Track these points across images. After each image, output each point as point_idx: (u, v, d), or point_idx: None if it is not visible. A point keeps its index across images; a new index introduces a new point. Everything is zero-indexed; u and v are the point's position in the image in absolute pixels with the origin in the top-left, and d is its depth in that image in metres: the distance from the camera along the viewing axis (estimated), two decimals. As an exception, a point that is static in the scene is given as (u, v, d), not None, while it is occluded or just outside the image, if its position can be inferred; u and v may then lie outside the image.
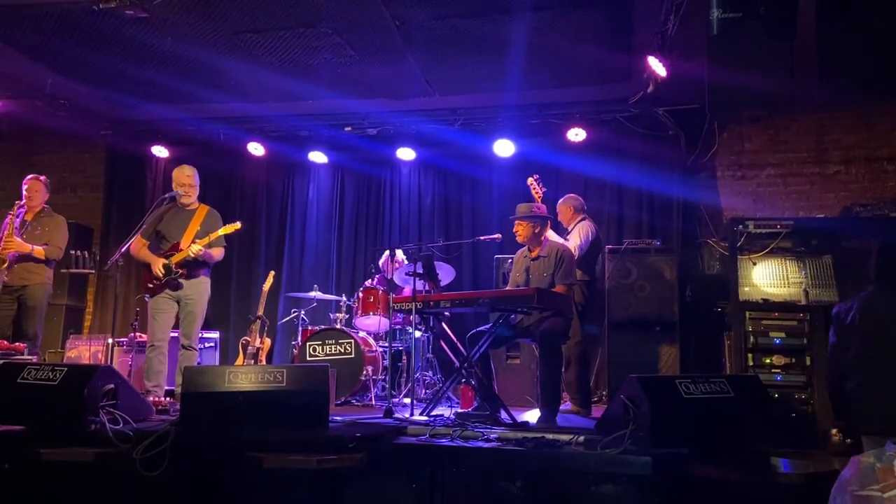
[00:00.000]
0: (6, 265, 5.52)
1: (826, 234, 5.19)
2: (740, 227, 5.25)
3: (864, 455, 2.40)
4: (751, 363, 4.95)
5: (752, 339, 4.96)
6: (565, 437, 3.47)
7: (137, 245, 5.22)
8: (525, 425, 4.06)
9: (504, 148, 7.14)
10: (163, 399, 4.79)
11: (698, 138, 6.79)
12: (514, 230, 4.99)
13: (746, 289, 5.17)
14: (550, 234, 5.21)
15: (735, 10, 3.91)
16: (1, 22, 5.51)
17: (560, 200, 5.92)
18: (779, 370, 4.91)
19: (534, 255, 4.95)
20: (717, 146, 6.85)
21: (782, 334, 4.96)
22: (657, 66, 5.41)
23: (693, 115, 6.63)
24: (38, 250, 5.62)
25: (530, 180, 5.77)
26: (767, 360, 4.94)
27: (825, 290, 5.01)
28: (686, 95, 6.34)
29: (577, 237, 5.59)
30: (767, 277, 5.18)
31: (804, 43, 4.13)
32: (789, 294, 5.08)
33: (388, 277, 6.23)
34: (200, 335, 5.47)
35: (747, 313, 5.02)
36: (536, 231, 4.93)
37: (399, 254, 6.19)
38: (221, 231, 5.20)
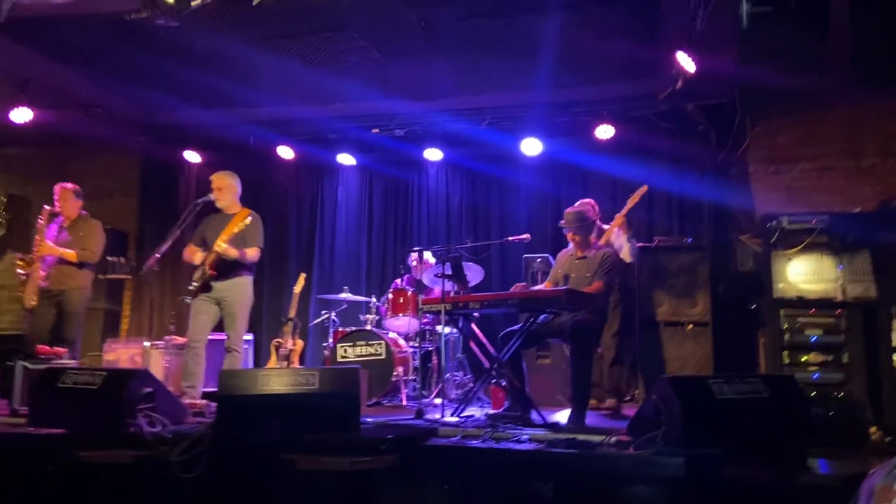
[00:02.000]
0: (38, 265, 5.68)
1: (863, 229, 5.07)
2: (774, 223, 5.16)
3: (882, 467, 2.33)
4: (786, 361, 4.88)
5: (787, 336, 4.89)
6: (597, 438, 3.46)
7: (188, 252, 5.35)
8: (556, 426, 4.05)
9: (531, 147, 7.11)
10: (198, 401, 4.88)
11: (729, 134, 6.67)
12: (568, 237, 5.00)
13: (781, 286, 5.08)
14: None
15: (765, 3, 3.84)
16: (36, 33, 5.65)
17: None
18: (815, 368, 4.83)
19: (579, 254, 4.95)
20: (748, 141, 6.73)
21: (819, 331, 4.88)
22: (686, 61, 5.34)
23: (723, 110, 6.51)
24: (70, 253, 5.76)
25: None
26: (804, 358, 4.87)
27: (863, 286, 4.90)
28: (716, 90, 6.25)
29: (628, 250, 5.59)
30: (802, 274, 5.09)
31: (836, 35, 4.04)
32: (825, 290, 4.98)
33: (417, 278, 6.26)
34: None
35: (782, 310, 4.95)
36: (585, 235, 4.94)
37: (428, 255, 6.22)
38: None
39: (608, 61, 6.03)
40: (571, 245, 5.03)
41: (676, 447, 3.12)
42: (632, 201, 5.73)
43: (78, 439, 3.65)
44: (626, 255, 5.61)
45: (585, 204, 5.63)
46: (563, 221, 5.03)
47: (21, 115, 6.72)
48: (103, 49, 5.88)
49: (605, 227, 5.71)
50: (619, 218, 5.61)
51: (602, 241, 5.57)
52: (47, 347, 5.19)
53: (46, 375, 4.07)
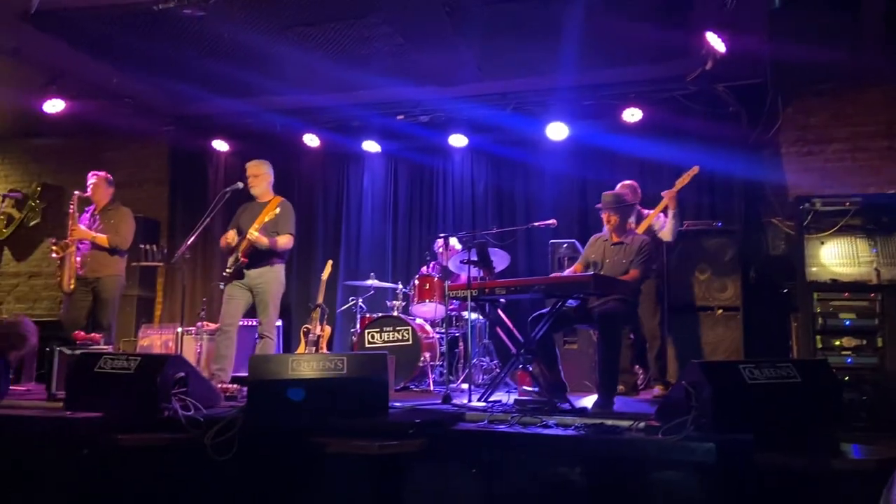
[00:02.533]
0: (72, 249, 5.81)
1: (898, 211, 4.98)
2: (806, 205, 5.07)
3: None
4: (819, 346, 4.81)
5: (820, 320, 4.82)
6: (625, 423, 3.45)
7: (225, 238, 5.43)
8: (583, 411, 4.05)
9: (557, 131, 7.04)
10: (230, 385, 4.96)
11: (760, 114, 6.55)
12: (604, 219, 4.93)
13: (814, 269, 5.00)
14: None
15: (797, -19, 3.77)
16: (66, 24, 5.73)
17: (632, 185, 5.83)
18: (849, 352, 4.76)
19: (615, 240, 4.88)
20: (780, 122, 6.60)
21: (852, 315, 4.80)
22: (716, 41, 5.24)
23: (754, 90, 6.38)
24: (101, 238, 5.90)
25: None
26: (837, 342, 4.79)
27: (898, 269, 4.81)
28: (746, 71, 6.12)
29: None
30: (836, 257, 5.00)
31: (869, 13, 3.94)
32: (859, 273, 4.89)
33: (443, 265, 6.27)
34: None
35: (815, 294, 4.87)
36: (624, 220, 4.86)
37: (453, 241, 6.22)
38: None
39: (635, 43, 5.95)
40: (605, 229, 4.96)
41: (706, 433, 3.10)
42: (681, 182, 5.65)
43: (114, 423, 3.73)
44: (667, 233, 5.53)
45: (626, 186, 5.61)
46: (600, 203, 4.96)
47: (53, 105, 6.84)
48: (131, 40, 5.95)
49: (647, 211, 5.65)
50: (669, 197, 5.51)
51: (645, 224, 5.52)
52: (84, 333, 5.31)
53: (83, 361, 4.17)
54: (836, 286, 4.84)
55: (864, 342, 4.72)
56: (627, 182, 5.81)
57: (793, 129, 6.64)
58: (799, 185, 6.47)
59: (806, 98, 6.61)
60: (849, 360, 4.74)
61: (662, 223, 5.59)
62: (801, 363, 3.55)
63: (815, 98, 6.59)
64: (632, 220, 4.93)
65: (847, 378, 4.66)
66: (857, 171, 6.40)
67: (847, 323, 4.78)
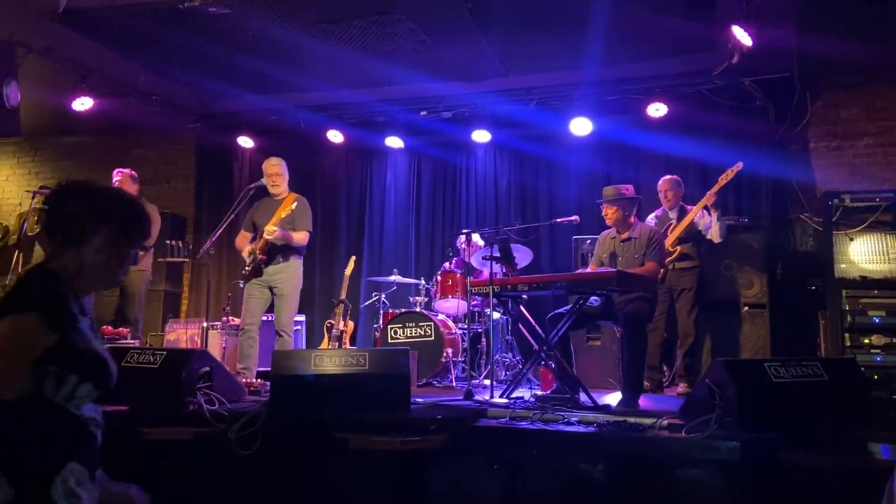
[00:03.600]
0: None
1: (930, 207, 4.88)
2: (836, 200, 5.01)
3: None
4: (848, 343, 4.76)
5: (849, 318, 4.76)
6: (648, 421, 3.42)
7: (240, 238, 5.48)
8: (606, 408, 4.02)
9: (581, 126, 6.99)
10: (254, 381, 5.01)
11: (788, 109, 6.43)
12: (602, 213, 4.90)
13: (843, 266, 4.94)
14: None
15: (826, -27, 3.70)
16: (94, 23, 5.82)
17: (669, 179, 5.79)
18: (878, 350, 4.70)
19: (623, 236, 4.85)
20: (809, 116, 6.48)
21: (882, 313, 4.74)
22: (742, 35, 5.16)
23: (782, 84, 6.28)
24: None
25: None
26: (866, 340, 4.73)
27: (930, 267, 4.72)
28: (774, 64, 6.03)
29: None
30: (865, 253, 4.93)
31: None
32: (890, 270, 4.83)
33: (466, 261, 6.27)
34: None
35: (844, 291, 4.81)
36: (626, 213, 4.82)
37: (476, 237, 6.21)
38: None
39: (660, 37, 5.89)
40: (611, 226, 4.93)
41: (731, 431, 3.06)
42: (724, 178, 5.62)
43: (140, 416, 3.79)
44: (714, 234, 5.52)
45: (668, 181, 5.74)
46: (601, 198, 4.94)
47: (82, 103, 6.96)
48: (157, 38, 6.04)
49: (690, 207, 5.61)
50: (709, 196, 5.48)
51: (686, 221, 5.49)
52: (111, 328, 5.40)
53: (111, 354, 4.22)
54: (866, 283, 4.77)
55: (894, 340, 4.65)
56: (669, 177, 5.79)
57: (822, 123, 6.52)
58: (828, 180, 6.36)
59: (835, 92, 6.48)
60: (878, 358, 4.67)
61: (708, 223, 5.53)
62: (828, 361, 3.50)
63: (844, 92, 6.46)
64: (633, 214, 4.86)
65: (876, 377, 4.59)
66: (888, 167, 6.27)
67: (876, 320, 4.71)
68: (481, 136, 7.50)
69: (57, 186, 1.95)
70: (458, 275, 6.20)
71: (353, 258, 6.87)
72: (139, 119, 7.81)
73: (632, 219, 4.86)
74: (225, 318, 6.57)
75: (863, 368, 4.49)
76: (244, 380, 4.99)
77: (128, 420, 3.80)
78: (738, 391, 3.08)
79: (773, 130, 6.50)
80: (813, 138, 6.55)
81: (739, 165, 5.61)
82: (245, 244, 5.42)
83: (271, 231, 5.15)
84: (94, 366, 1.89)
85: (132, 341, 5.33)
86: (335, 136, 7.84)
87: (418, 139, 7.91)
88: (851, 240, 4.95)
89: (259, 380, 5.00)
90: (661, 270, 5.31)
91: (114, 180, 6.22)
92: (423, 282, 6.64)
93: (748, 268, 5.83)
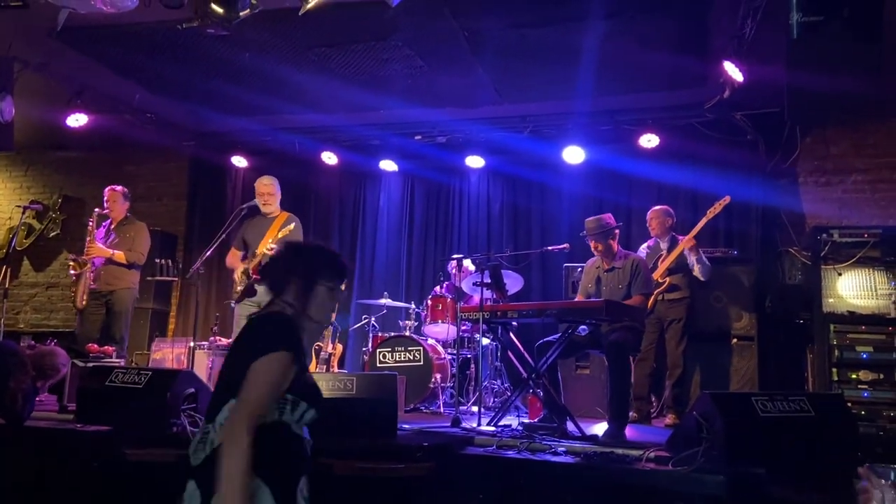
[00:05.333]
0: (89, 267, 5.88)
1: (918, 244, 4.93)
2: (824, 235, 5.05)
3: None
4: (835, 378, 4.77)
5: (836, 353, 4.78)
6: (635, 453, 3.41)
7: (230, 256, 5.46)
8: (594, 439, 4.00)
9: (573, 155, 7.05)
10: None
11: (778, 143, 6.52)
12: (591, 245, 4.93)
13: (831, 300, 4.97)
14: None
15: (816, 13, 3.75)
16: (92, 41, 5.86)
17: (659, 209, 5.82)
18: (866, 386, 4.71)
19: (607, 266, 4.88)
20: (798, 151, 6.57)
21: (870, 348, 4.76)
22: (733, 70, 5.24)
23: (772, 119, 6.36)
24: (119, 254, 5.96)
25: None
26: (853, 376, 4.75)
27: (917, 303, 4.76)
28: (765, 99, 6.12)
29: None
30: (853, 288, 4.96)
31: (891, 45, 3.92)
32: (877, 306, 4.85)
33: (457, 286, 6.26)
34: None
35: (832, 326, 4.84)
36: (609, 243, 4.86)
37: (467, 262, 6.22)
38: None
39: (653, 70, 5.97)
40: (596, 255, 4.96)
41: (717, 465, 3.06)
42: (712, 212, 5.65)
43: (123, 437, 3.74)
44: (697, 274, 5.52)
45: (657, 211, 5.74)
46: (584, 231, 4.97)
47: (77, 119, 6.96)
48: (155, 58, 6.07)
49: (681, 238, 5.63)
50: (688, 240, 5.49)
51: (675, 254, 5.50)
52: (96, 346, 5.35)
53: (94, 374, 4.20)
54: (854, 318, 4.80)
55: (882, 376, 4.67)
56: (657, 207, 5.81)
57: (811, 158, 6.61)
58: (817, 215, 6.42)
59: (825, 128, 6.57)
60: (865, 393, 4.69)
61: (691, 263, 5.54)
62: (816, 396, 3.51)
63: (834, 128, 6.55)
64: (615, 242, 4.89)
65: (863, 412, 4.60)
66: (876, 203, 6.34)
67: (864, 356, 4.73)
68: (475, 161, 7.55)
69: (280, 246, 2.56)
70: (449, 300, 6.20)
71: (345, 281, 6.84)
72: (133, 136, 7.82)
73: (615, 247, 4.88)
74: (213, 338, 6.51)
75: (850, 404, 4.50)
76: (230, 401, 4.94)
77: (110, 440, 3.76)
78: (726, 425, 3.08)
79: (764, 164, 6.59)
80: (802, 173, 6.62)
81: (727, 200, 5.65)
82: (236, 262, 5.39)
83: (269, 248, 5.13)
84: (316, 393, 2.29)
85: (117, 360, 5.27)
86: (329, 158, 7.87)
87: (412, 163, 7.94)
88: (840, 275, 4.99)
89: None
90: (650, 300, 5.33)
91: (105, 197, 6.20)
92: (413, 306, 6.62)
93: (737, 300, 5.85)
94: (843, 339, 4.78)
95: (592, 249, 4.92)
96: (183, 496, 2.04)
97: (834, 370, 4.75)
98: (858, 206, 6.36)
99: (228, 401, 2.05)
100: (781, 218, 6.52)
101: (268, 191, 5.49)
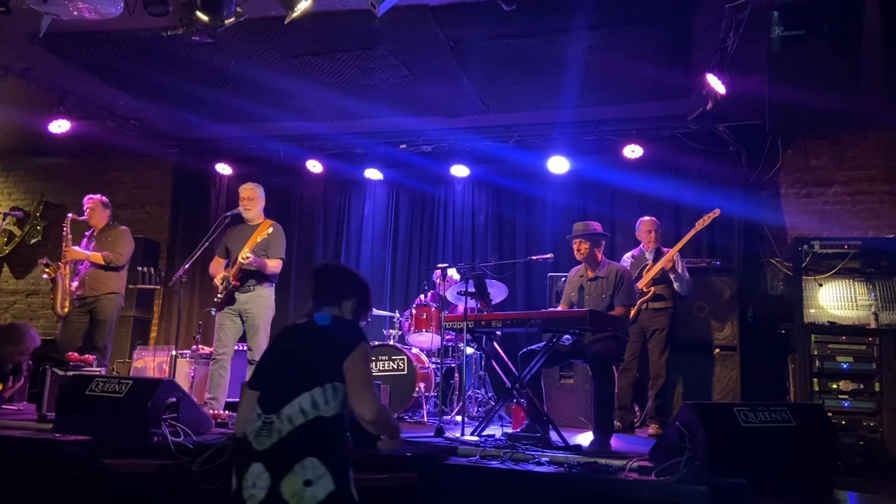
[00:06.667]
0: (63, 270, 5.83)
1: (897, 255, 4.99)
2: (805, 246, 5.10)
3: None
4: (816, 388, 4.80)
5: (817, 363, 4.81)
6: (618, 463, 3.42)
7: (213, 264, 5.42)
8: (577, 449, 4.00)
9: (558, 165, 7.09)
10: (222, 412, 4.92)
11: (761, 155, 6.59)
12: (574, 248, 4.94)
13: (812, 311, 5.01)
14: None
15: (797, 27, 3.82)
16: (76, 47, 5.81)
17: (652, 220, 5.85)
18: (846, 396, 4.75)
19: (591, 275, 4.89)
20: (780, 163, 6.64)
21: (850, 359, 4.80)
22: (716, 83, 5.30)
23: (755, 131, 6.44)
24: (96, 256, 5.91)
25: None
26: (834, 386, 4.78)
27: (896, 314, 4.82)
28: (747, 112, 6.18)
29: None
30: (834, 299, 5.01)
31: (870, 60, 4.00)
32: (857, 317, 4.90)
33: (441, 295, 6.26)
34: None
35: (813, 336, 4.87)
36: (595, 249, 4.87)
37: (452, 272, 6.22)
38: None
39: (637, 82, 6.02)
40: (580, 259, 4.97)
41: (699, 475, 3.06)
42: (700, 224, 5.68)
43: (102, 447, 3.70)
44: (679, 290, 5.55)
45: (647, 222, 5.74)
46: (570, 234, 4.99)
47: (59, 126, 6.90)
48: (139, 65, 6.03)
49: (666, 249, 5.66)
50: (666, 260, 5.51)
51: (660, 265, 5.52)
52: (77, 355, 5.29)
53: (74, 383, 4.15)
54: (834, 329, 4.84)
55: (862, 386, 4.71)
56: (649, 218, 5.84)
57: (793, 170, 6.69)
58: (798, 226, 6.49)
59: (806, 140, 6.65)
60: (846, 403, 4.72)
61: (672, 278, 5.57)
62: (797, 407, 3.53)
63: (815, 141, 6.63)
64: (601, 251, 4.91)
65: (844, 422, 4.63)
66: (856, 215, 6.42)
67: (844, 366, 4.77)
68: (460, 170, 7.57)
69: (328, 263, 2.91)
70: (433, 309, 6.19)
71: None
72: (116, 142, 7.77)
73: (600, 256, 4.91)
74: (195, 347, 6.46)
75: (831, 413, 4.54)
76: (211, 411, 4.90)
77: (90, 450, 3.73)
78: (708, 435, 3.09)
79: (746, 175, 6.66)
80: (784, 184, 6.69)
81: (716, 213, 5.68)
82: (219, 270, 5.35)
83: (246, 257, 5.09)
84: None
85: (97, 369, 5.21)
86: (314, 167, 7.85)
87: (397, 172, 7.95)
88: (820, 285, 5.04)
89: (227, 411, 4.90)
90: (633, 310, 5.35)
91: (85, 207, 6.14)
92: (397, 315, 6.61)
93: (720, 310, 5.89)
94: (823, 350, 4.82)
95: (575, 253, 4.92)
96: (245, 475, 2.35)
97: (815, 380, 4.79)
98: (839, 217, 6.44)
99: (300, 395, 2.39)
100: (763, 229, 6.59)
101: (248, 195, 5.45)
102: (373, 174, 7.92)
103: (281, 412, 2.39)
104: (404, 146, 7.54)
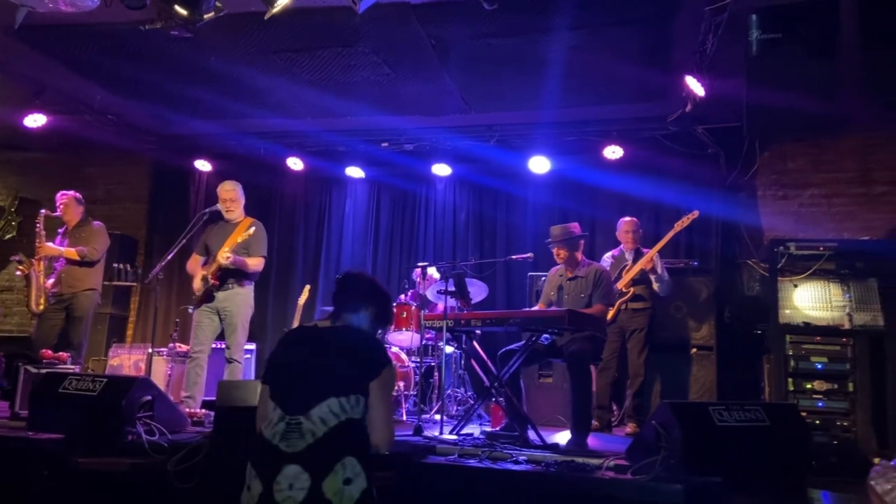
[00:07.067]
0: (37, 266, 5.75)
1: (871, 257, 5.06)
2: (781, 248, 5.14)
3: None
4: (791, 388, 4.84)
5: (792, 363, 4.86)
6: (595, 462, 3.43)
7: (191, 261, 5.36)
8: (555, 447, 4.02)
9: (539, 165, 7.11)
10: (198, 410, 4.88)
11: (738, 157, 6.65)
12: (554, 252, 4.96)
13: (787, 311, 5.06)
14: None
15: (775, 30, 3.86)
16: (52, 40, 5.72)
17: (632, 220, 5.88)
18: (820, 396, 4.79)
19: (570, 274, 4.91)
20: (757, 165, 6.71)
21: (824, 359, 4.85)
22: (695, 85, 5.34)
23: (733, 133, 6.48)
24: (70, 252, 5.83)
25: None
26: (808, 386, 4.83)
27: (870, 315, 4.87)
28: (725, 114, 6.23)
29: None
30: (809, 300, 5.06)
31: (847, 63, 4.05)
32: (832, 318, 4.95)
33: (421, 293, 6.25)
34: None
35: (788, 337, 4.92)
36: (573, 251, 4.90)
37: (432, 270, 6.21)
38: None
39: (618, 83, 6.05)
40: (560, 263, 5.00)
41: (675, 474, 3.08)
42: (679, 226, 5.73)
43: (76, 445, 3.65)
44: (658, 291, 5.59)
45: (627, 223, 5.78)
46: (549, 238, 5.01)
47: (35, 120, 6.80)
48: (117, 59, 5.95)
49: (645, 250, 5.70)
50: (645, 260, 5.56)
51: (639, 265, 5.55)
52: (51, 352, 5.21)
53: (48, 380, 4.10)
54: (809, 329, 4.89)
55: (836, 386, 4.76)
56: (630, 219, 5.87)
57: (769, 172, 6.75)
58: (774, 227, 6.56)
59: (783, 143, 6.72)
60: (820, 403, 4.77)
61: (652, 279, 5.61)
62: (771, 406, 3.57)
63: (792, 143, 6.70)
64: (580, 252, 4.94)
65: (818, 422, 4.69)
66: (832, 217, 6.50)
67: (819, 367, 4.82)
68: (442, 169, 7.56)
69: (352, 271, 2.90)
70: (413, 307, 6.17)
71: (308, 287, 6.79)
72: (93, 137, 7.66)
73: (579, 256, 4.93)
74: (172, 345, 6.40)
75: (805, 413, 4.60)
76: (188, 409, 4.85)
77: (63, 448, 3.67)
78: (683, 434, 3.12)
79: (724, 177, 6.72)
80: (761, 186, 6.76)
81: (695, 214, 5.74)
82: (197, 268, 5.30)
83: (226, 256, 5.04)
84: None
85: (72, 367, 5.13)
86: (295, 164, 7.81)
87: (379, 170, 7.93)
88: (796, 286, 5.08)
89: (203, 410, 4.86)
90: (613, 310, 5.38)
91: (58, 203, 6.05)
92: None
93: (697, 310, 5.94)
94: (798, 350, 4.86)
95: (555, 256, 4.95)
96: (276, 479, 2.36)
97: (790, 380, 4.83)
98: (815, 219, 6.51)
99: (327, 399, 2.43)
100: (740, 230, 6.66)
101: (230, 196, 5.39)
102: (354, 172, 7.89)
103: (310, 414, 2.42)
104: (386, 144, 7.52)
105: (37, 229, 5.95)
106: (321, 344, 2.64)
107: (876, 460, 4.09)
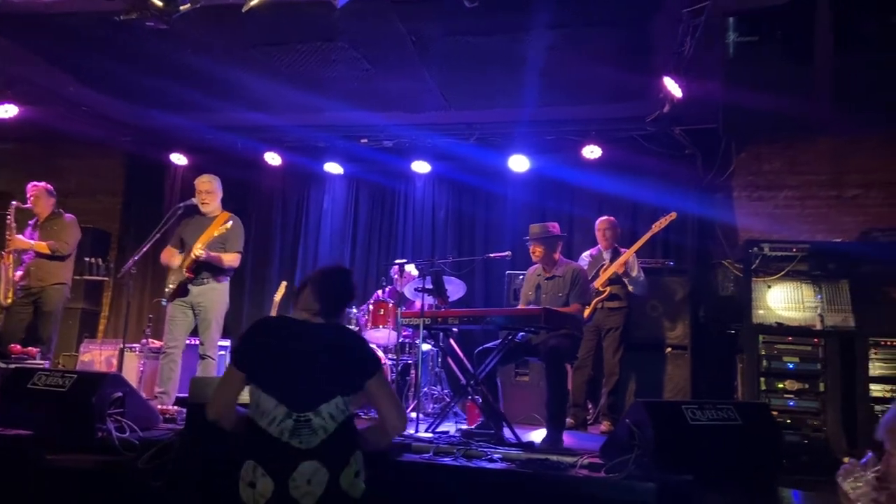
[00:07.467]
0: (6, 260, 5.65)
1: (843, 258, 5.14)
2: (755, 248, 5.20)
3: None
4: (763, 387, 4.91)
5: (765, 363, 4.92)
6: (570, 460, 3.45)
7: (166, 254, 5.27)
8: (530, 445, 4.03)
9: (519, 163, 7.13)
10: (170, 407, 4.81)
11: (715, 158, 6.72)
12: (530, 250, 4.97)
13: (760, 311, 5.12)
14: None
15: (751, 34, 3.90)
16: (24, 29, 5.60)
17: (610, 220, 5.90)
18: (792, 395, 4.86)
19: (548, 274, 4.93)
20: (733, 166, 6.78)
21: (796, 359, 4.91)
22: (673, 86, 5.38)
23: (710, 134, 6.56)
24: (41, 245, 5.74)
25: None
26: (780, 385, 4.89)
27: (841, 316, 4.95)
28: (703, 115, 6.29)
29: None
30: (782, 301, 5.13)
31: (822, 67, 4.10)
32: (804, 318, 5.02)
33: (399, 290, 6.23)
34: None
35: (761, 337, 4.98)
36: (551, 251, 4.91)
37: (410, 268, 6.20)
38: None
39: (596, 83, 6.06)
40: (536, 261, 5.01)
41: (648, 472, 3.11)
42: (657, 227, 5.78)
43: (45, 442, 3.59)
44: (634, 292, 5.63)
45: (605, 221, 5.82)
46: (527, 236, 5.02)
47: (6, 111, 6.66)
48: (89, 51, 5.84)
49: (623, 250, 5.73)
50: (618, 264, 5.60)
51: (616, 265, 5.58)
52: (20, 347, 5.12)
53: (16, 375, 4.02)
54: (781, 330, 4.95)
55: (807, 386, 4.83)
56: (606, 217, 5.91)
57: (745, 174, 6.83)
58: (749, 228, 6.63)
59: (759, 145, 6.80)
60: (791, 402, 4.84)
61: (629, 281, 5.65)
62: (743, 405, 3.60)
63: (767, 146, 6.78)
64: (557, 252, 4.96)
65: (789, 421, 4.75)
66: (806, 219, 6.59)
67: (790, 366, 4.89)
68: (421, 166, 7.55)
69: (332, 268, 2.90)
70: (391, 304, 6.16)
71: (285, 283, 6.73)
72: (66, 129, 7.50)
73: (556, 256, 4.94)
74: (144, 340, 6.32)
75: (777, 412, 4.66)
76: (160, 406, 4.79)
77: (31, 445, 3.61)
78: (656, 432, 3.14)
79: (701, 177, 6.78)
80: (737, 187, 6.83)
81: (672, 216, 5.78)
82: (171, 260, 5.22)
83: (199, 253, 4.98)
84: None
85: (41, 362, 5.05)
86: (273, 159, 7.74)
87: (358, 166, 7.89)
88: (769, 287, 5.15)
89: (176, 407, 4.80)
90: (589, 309, 5.40)
91: (28, 195, 5.95)
92: (354, 310, 6.55)
93: (672, 310, 6.00)
94: (771, 350, 4.92)
95: (531, 253, 4.96)
96: (292, 475, 2.37)
97: (762, 379, 4.90)
98: (788, 221, 6.60)
99: (335, 396, 2.50)
100: (716, 231, 6.72)
101: (206, 189, 5.32)
102: (333, 168, 7.84)
103: (319, 410, 2.47)
104: (365, 141, 7.48)
105: (7, 221, 5.84)
106: (320, 341, 2.62)
107: (845, 459, 4.14)
